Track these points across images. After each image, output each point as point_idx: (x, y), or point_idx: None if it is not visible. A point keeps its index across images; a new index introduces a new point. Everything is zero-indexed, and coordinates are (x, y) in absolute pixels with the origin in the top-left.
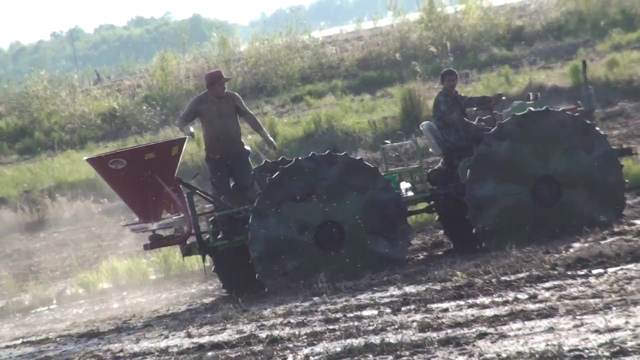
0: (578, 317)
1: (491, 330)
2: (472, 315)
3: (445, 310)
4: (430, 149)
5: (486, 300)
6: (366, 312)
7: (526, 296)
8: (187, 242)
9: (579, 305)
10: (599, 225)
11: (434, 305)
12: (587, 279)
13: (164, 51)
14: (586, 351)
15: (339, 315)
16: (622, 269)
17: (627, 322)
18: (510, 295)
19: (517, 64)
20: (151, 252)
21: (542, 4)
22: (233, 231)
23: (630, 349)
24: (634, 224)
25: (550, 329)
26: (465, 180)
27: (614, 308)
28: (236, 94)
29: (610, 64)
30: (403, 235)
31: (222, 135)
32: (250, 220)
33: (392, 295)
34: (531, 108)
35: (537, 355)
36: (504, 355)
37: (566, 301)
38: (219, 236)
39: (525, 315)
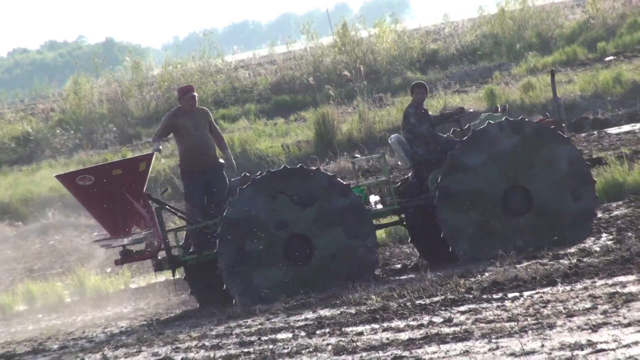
0: (493, 340)
1: (406, 353)
2: (387, 338)
3: (360, 333)
4: (399, 162)
5: (401, 323)
6: (281, 336)
7: (441, 320)
8: (158, 257)
9: (495, 328)
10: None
11: (348, 329)
12: (503, 303)
13: (77, 75)
14: None
15: (253, 338)
16: (537, 293)
17: (542, 346)
18: (425, 319)
19: (431, 87)
20: (67, 275)
21: (456, 27)
22: (203, 245)
23: None
24: (551, 248)
25: (466, 352)
26: (434, 192)
27: (530, 331)
28: (206, 109)
29: (526, 87)
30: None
31: (199, 148)
32: (219, 231)
33: (306, 319)
34: (491, 121)
35: None
36: None
37: (481, 325)
38: (190, 250)
39: (440, 339)
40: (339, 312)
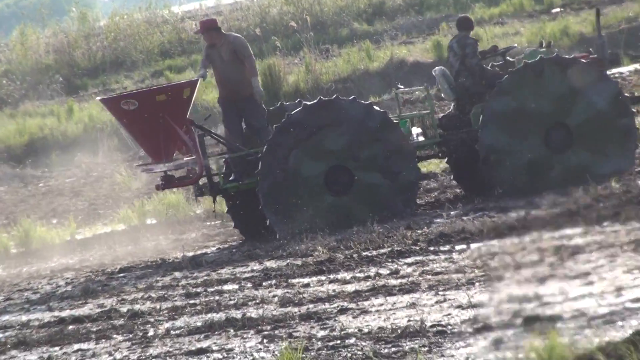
0: (441, 292)
1: (353, 305)
2: (334, 290)
3: (307, 285)
4: (442, 94)
5: (347, 275)
6: (227, 287)
7: (388, 271)
8: (199, 183)
9: (442, 280)
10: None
11: (295, 280)
12: (450, 255)
13: (23, 26)
14: (449, 327)
15: (199, 289)
16: (485, 245)
17: (490, 298)
18: (372, 271)
19: (378, 39)
20: (12, 226)
21: None
22: (244, 173)
23: (494, 325)
24: (498, 200)
25: (413, 305)
26: (477, 126)
27: (477, 284)
28: (239, 38)
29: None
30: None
31: (224, 79)
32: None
33: (253, 270)
34: (542, 56)
35: (399, 331)
36: (365, 330)
37: (428, 276)
38: (230, 178)
39: (387, 291)
40: (285, 263)
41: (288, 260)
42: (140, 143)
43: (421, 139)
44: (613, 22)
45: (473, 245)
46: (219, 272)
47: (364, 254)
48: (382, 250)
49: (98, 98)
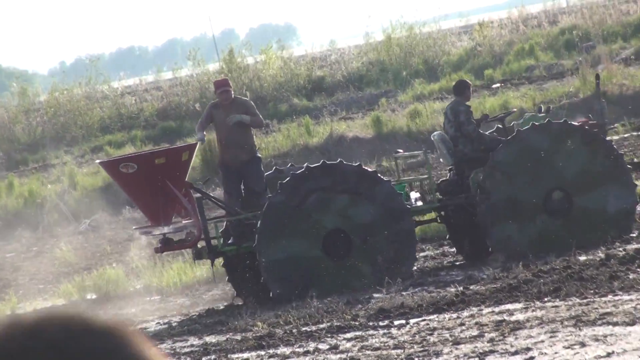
0: None
1: None
2: None
3: None
4: (441, 159)
5: (287, 350)
6: None
7: (327, 346)
8: (198, 247)
9: (381, 356)
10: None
11: (234, 355)
12: (389, 330)
13: None
14: None
15: None
16: (424, 320)
17: None
18: (311, 346)
19: (317, 114)
20: None
21: (343, 54)
22: (242, 237)
23: None
24: (438, 275)
25: None
26: (476, 191)
27: (416, 359)
28: (248, 101)
29: (412, 114)
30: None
31: (229, 142)
32: (258, 226)
33: (192, 345)
34: (535, 122)
35: None
36: None
37: (368, 352)
38: (229, 241)
39: None
40: (224, 338)
41: (228, 335)
42: (139, 206)
43: (420, 203)
44: (554, 96)
45: (412, 321)
46: (158, 347)
47: (303, 329)
48: (322, 325)
49: (97, 161)
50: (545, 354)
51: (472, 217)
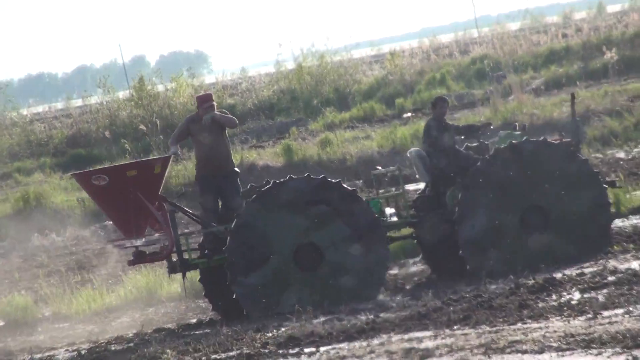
0: None
1: None
2: None
3: None
4: (417, 176)
5: None
6: None
7: None
8: (172, 260)
9: None
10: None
11: None
12: (299, 358)
13: None
14: None
15: None
16: (334, 348)
17: None
18: None
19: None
20: None
21: (254, 82)
22: (217, 250)
23: None
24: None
25: None
26: (452, 207)
27: None
28: (224, 111)
29: (323, 143)
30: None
31: (211, 155)
32: (228, 241)
33: None
34: (513, 140)
35: None
36: None
37: None
38: (205, 253)
39: None
40: None
41: None
42: (112, 218)
43: (394, 219)
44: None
45: (322, 348)
46: None
47: (213, 357)
48: (231, 353)
49: (70, 173)
50: None
51: (448, 233)
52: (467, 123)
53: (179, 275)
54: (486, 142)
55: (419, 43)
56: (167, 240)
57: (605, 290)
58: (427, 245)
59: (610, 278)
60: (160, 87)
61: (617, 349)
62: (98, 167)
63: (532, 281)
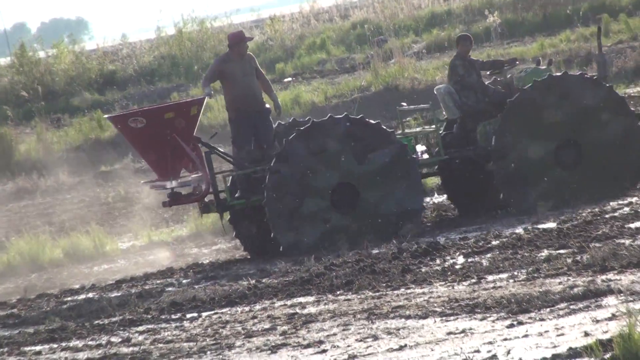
0: None
1: None
2: (66, 358)
3: (39, 353)
4: (444, 112)
5: (79, 343)
6: None
7: (120, 339)
8: (205, 200)
9: (173, 349)
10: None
11: (27, 348)
12: (181, 323)
13: None
14: None
15: None
16: (216, 313)
17: None
18: (104, 339)
19: (109, 108)
20: None
21: (135, 48)
22: (250, 190)
23: None
24: (230, 268)
25: None
26: (484, 143)
27: (209, 352)
28: (253, 56)
29: (205, 108)
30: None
31: (247, 94)
32: (267, 178)
33: None
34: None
35: None
36: None
37: (160, 345)
38: (236, 195)
39: (119, 359)
40: (17, 331)
41: (20, 328)
42: (147, 160)
43: (426, 156)
44: (346, 90)
45: (204, 314)
46: None
47: (96, 322)
48: (114, 319)
49: (106, 116)
50: (338, 347)
51: (479, 170)
52: (492, 59)
53: (63, 240)
54: (513, 76)
55: (299, 8)
56: (203, 181)
57: (489, 255)
58: (452, 183)
59: (495, 242)
60: (41, 54)
61: (502, 314)
62: None
63: (415, 246)
